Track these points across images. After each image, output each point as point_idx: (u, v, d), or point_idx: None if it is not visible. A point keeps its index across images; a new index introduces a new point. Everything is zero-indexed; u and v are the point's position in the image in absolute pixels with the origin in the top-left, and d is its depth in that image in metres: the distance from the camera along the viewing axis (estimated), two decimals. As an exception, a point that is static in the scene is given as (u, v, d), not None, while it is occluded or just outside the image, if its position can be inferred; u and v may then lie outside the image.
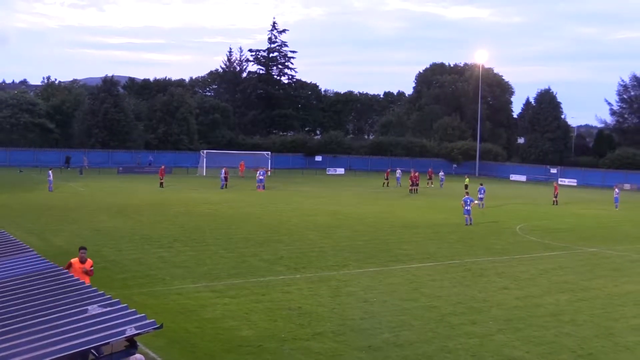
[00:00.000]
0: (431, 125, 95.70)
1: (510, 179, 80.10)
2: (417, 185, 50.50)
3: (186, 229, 26.65)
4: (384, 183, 56.87)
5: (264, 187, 47.80)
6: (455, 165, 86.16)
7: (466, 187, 47.97)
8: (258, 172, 49.04)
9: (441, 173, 61.28)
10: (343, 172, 78.28)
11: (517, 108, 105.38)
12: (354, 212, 35.48)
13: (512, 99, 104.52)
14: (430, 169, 63.70)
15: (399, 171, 59.53)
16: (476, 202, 35.35)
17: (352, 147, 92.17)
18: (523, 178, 79.19)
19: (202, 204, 36.72)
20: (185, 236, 24.83)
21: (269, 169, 67.16)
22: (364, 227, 29.40)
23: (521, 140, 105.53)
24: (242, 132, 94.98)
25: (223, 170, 49.33)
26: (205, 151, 68.94)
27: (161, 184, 47.64)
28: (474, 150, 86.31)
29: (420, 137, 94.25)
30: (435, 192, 52.40)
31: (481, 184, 41.80)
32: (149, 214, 31.40)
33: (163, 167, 50.65)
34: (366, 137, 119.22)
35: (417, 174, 51.37)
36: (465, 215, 31.11)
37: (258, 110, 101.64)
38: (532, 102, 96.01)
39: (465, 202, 31.15)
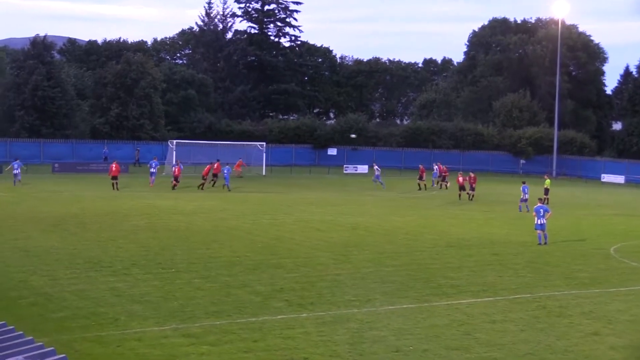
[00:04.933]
0: (490, 106, 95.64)
1: (602, 180, 79.76)
2: (473, 190, 50.52)
3: (149, 250, 26.76)
4: (419, 185, 57.94)
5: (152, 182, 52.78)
6: (523, 161, 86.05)
7: (546, 191, 48.42)
8: (150, 163, 53.90)
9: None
10: (366, 171, 78.42)
11: (611, 81, 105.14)
12: (382, 225, 35.61)
13: (604, 68, 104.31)
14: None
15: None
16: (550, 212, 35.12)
17: (379, 135, 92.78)
18: (620, 179, 78.83)
19: (171, 215, 36.99)
20: (148, 259, 24.86)
21: (244, 163, 66.60)
22: (395, 246, 29.53)
23: (617, 126, 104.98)
24: (227, 116, 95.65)
25: (174, 168, 52.16)
26: (174, 141, 69.45)
27: (114, 185, 49.12)
28: (550, 140, 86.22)
29: (475, 122, 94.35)
30: (495, 199, 52.31)
31: (524, 182, 44.83)
32: (98, 229, 31.49)
33: (115, 163, 51.42)
34: (399, 121, 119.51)
35: (473, 176, 51.08)
36: (538, 231, 31.08)
37: (248, 84, 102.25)
38: (634, 73, 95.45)
39: (537, 212, 31.15)
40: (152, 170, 53.98)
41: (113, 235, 29.82)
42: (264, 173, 70.21)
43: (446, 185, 58.57)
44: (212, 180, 53.22)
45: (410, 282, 22.66)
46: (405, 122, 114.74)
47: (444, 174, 60.13)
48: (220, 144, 74.77)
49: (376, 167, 59.85)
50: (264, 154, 72.30)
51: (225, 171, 52.28)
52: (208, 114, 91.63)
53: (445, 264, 25.81)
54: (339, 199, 49.12)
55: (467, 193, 50.16)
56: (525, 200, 43.47)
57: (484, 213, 42.79)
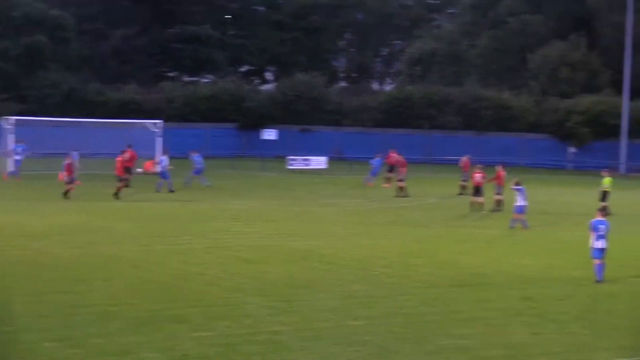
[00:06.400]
0: (523, 61, 77.68)
1: None
2: (501, 194, 40.58)
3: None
4: (462, 188, 46.95)
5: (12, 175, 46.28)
6: (573, 149, 71.79)
7: (604, 195, 39.46)
8: (14, 148, 47.49)
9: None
10: (324, 165, 64.93)
11: None
12: (348, 253, 29.50)
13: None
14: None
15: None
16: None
17: (344, 109, 76.86)
18: None
19: (12, 238, 29.93)
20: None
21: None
22: (370, 286, 23.68)
23: None
24: (98, 77, 78.82)
25: (74, 160, 42.03)
26: (12, 118, 54.06)
27: None
28: (617, 115, 69.99)
29: (499, 87, 76.95)
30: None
31: (517, 183, 35.61)
32: None
33: None
34: (377, 86, 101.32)
35: (501, 172, 41.26)
36: (596, 261, 25.02)
37: (134, 26, 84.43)
38: None
39: (596, 228, 24.87)
40: (17, 157, 46.88)
41: None
42: (158, 169, 56.04)
43: (390, 183, 47.58)
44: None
45: (393, 343, 18.36)
46: (387, 88, 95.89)
47: (399, 166, 46.99)
48: (87, 122, 59.06)
49: (195, 156, 48.72)
50: (159, 139, 55.94)
51: (197, 162, 47.19)
52: (67, 74, 74.05)
53: (449, 315, 20.87)
54: (281, 210, 40.66)
55: (495, 199, 40.17)
56: (522, 211, 34.63)
57: (510, 233, 35.21)
